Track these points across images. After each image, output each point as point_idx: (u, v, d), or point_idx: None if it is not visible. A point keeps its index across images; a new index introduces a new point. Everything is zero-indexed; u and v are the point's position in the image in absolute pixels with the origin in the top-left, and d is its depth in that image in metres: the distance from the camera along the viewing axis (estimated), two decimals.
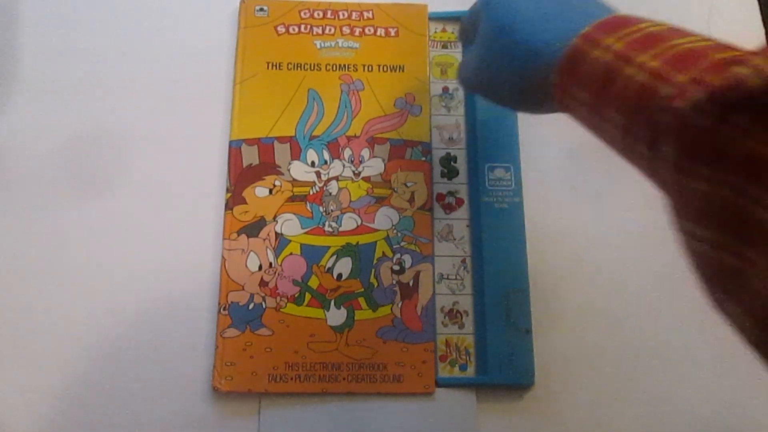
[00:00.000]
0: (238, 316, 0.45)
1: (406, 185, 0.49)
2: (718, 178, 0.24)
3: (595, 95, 0.30)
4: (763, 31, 0.57)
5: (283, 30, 0.52)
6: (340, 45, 0.52)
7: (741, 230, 0.24)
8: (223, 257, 0.46)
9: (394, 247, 0.48)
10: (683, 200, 0.26)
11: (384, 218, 0.48)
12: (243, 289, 0.46)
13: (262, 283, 0.46)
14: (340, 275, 0.47)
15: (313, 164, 0.49)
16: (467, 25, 0.44)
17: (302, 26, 0.52)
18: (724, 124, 0.23)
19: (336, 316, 0.46)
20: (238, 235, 0.47)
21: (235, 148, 0.49)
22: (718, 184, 0.24)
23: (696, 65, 0.26)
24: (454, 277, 0.48)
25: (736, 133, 0.23)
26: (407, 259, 0.47)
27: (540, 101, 0.36)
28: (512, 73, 0.36)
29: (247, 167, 0.48)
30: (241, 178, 0.48)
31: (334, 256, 0.47)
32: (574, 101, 0.32)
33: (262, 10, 0.53)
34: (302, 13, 0.53)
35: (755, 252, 0.24)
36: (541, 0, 0.36)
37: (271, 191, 0.48)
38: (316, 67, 0.51)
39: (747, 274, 0.24)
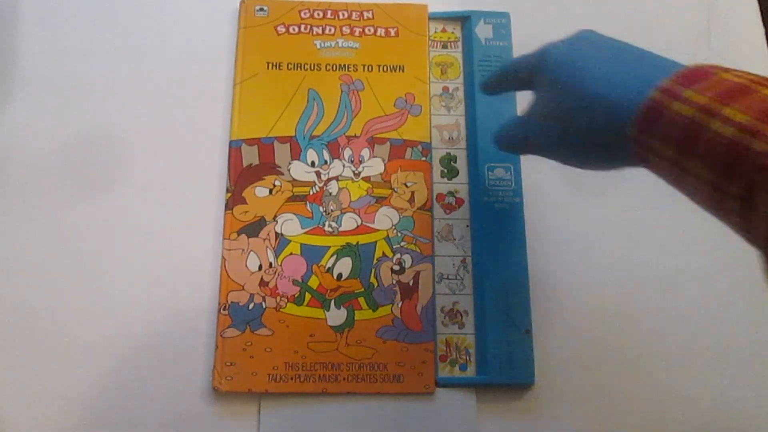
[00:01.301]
0: (238, 316, 0.45)
1: (406, 185, 0.49)
2: None
3: (678, 150, 0.29)
4: (763, 31, 0.57)
5: (283, 30, 0.52)
6: (340, 45, 0.52)
7: None
8: (223, 257, 0.46)
9: (394, 247, 0.48)
10: None
11: (384, 218, 0.48)
12: (243, 289, 0.46)
13: (262, 283, 0.46)
14: (340, 275, 0.47)
15: (313, 164, 0.49)
16: (504, 75, 0.43)
17: (302, 26, 0.52)
18: None
19: (336, 316, 0.46)
20: (238, 235, 0.47)
21: (235, 148, 0.49)
22: None
23: None
24: (454, 277, 0.48)
25: None
26: (407, 259, 0.47)
27: (614, 157, 0.35)
28: (586, 128, 0.35)
29: (247, 167, 0.48)
30: (241, 178, 0.48)
31: (334, 256, 0.47)
32: (655, 156, 0.31)
33: (262, 10, 0.53)
34: (302, 13, 0.53)
35: None
36: (610, 53, 0.35)
37: (271, 191, 0.48)
38: (316, 67, 0.51)
39: None
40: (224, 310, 0.45)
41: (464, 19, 0.54)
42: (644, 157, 0.32)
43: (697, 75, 0.30)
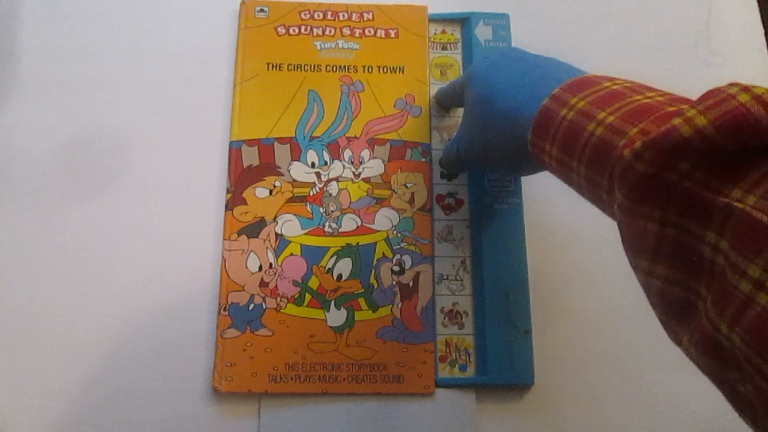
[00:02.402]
0: (238, 316, 0.45)
1: (406, 186, 0.49)
2: (667, 218, 0.27)
3: (563, 150, 0.33)
4: (762, 31, 0.57)
5: (284, 31, 0.52)
6: (340, 46, 0.52)
7: (690, 267, 0.27)
8: (223, 258, 0.46)
9: (394, 247, 0.48)
10: (638, 240, 0.28)
11: (384, 219, 0.48)
12: (243, 289, 0.46)
13: (262, 284, 0.46)
14: (340, 276, 0.47)
15: (313, 165, 0.49)
16: (449, 92, 0.49)
17: (302, 27, 0.52)
18: (667, 169, 0.26)
19: (336, 316, 0.46)
20: (239, 236, 0.47)
21: (235, 149, 0.49)
22: (666, 224, 0.27)
23: (646, 118, 0.28)
24: (453, 278, 0.48)
25: (678, 176, 0.26)
26: (407, 260, 0.47)
27: (525, 162, 0.38)
28: (498, 140, 0.38)
29: (248, 168, 0.49)
30: (241, 178, 0.48)
31: (334, 257, 0.47)
32: (547, 156, 0.34)
33: (262, 10, 0.53)
34: (302, 14, 0.53)
35: (702, 286, 0.26)
36: (516, 70, 0.39)
37: (271, 192, 0.48)
38: (316, 68, 0.51)
39: (698, 307, 0.27)
40: (224, 310, 0.45)
41: (464, 21, 0.54)
42: (541, 158, 0.35)
43: (583, 83, 0.33)
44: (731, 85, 0.26)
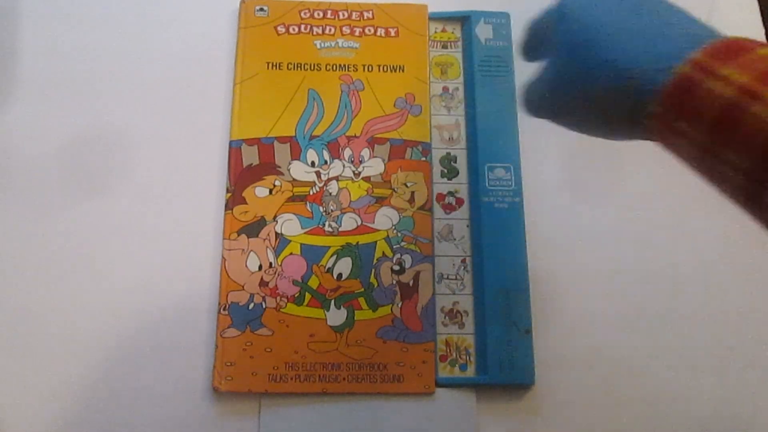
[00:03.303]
0: (238, 316, 0.45)
1: (406, 185, 0.49)
2: None
3: (711, 134, 0.26)
4: (763, 31, 0.57)
5: (283, 30, 0.52)
6: (340, 45, 0.52)
7: None
8: (223, 257, 0.46)
9: (394, 247, 0.48)
10: None
11: (384, 218, 0.48)
12: (243, 289, 0.46)
13: (262, 283, 0.46)
14: (340, 275, 0.47)
15: (313, 164, 0.49)
16: (533, 37, 0.38)
17: (302, 26, 0.52)
18: None
19: (336, 316, 0.46)
20: (238, 235, 0.47)
21: (235, 148, 0.49)
22: None
23: None
24: (454, 277, 0.48)
25: None
26: (407, 259, 0.47)
27: (630, 129, 0.31)
28: (597, 97, 0.31)
29: (247, 167, 0.48)
30: (241, 178, 0.48)
31: (334, 256, 0.47)
32: (681, 137, 0.28)
33: (262, 10, 0.53)
34: (302, 13, 0.53)
35: None
36: (626, 9, 0.31)
37: (271, 191, 0.48)
38: (316, 67, 0.51)
39: None
40: (224, 310, 0.45)
41: (464, 19, 0.54)
42: (667, 137, 0.29)
43: (733, 49, 0.27)
44: None
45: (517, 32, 0.53)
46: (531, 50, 0.39)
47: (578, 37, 0.32)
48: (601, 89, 0.31)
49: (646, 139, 0.31)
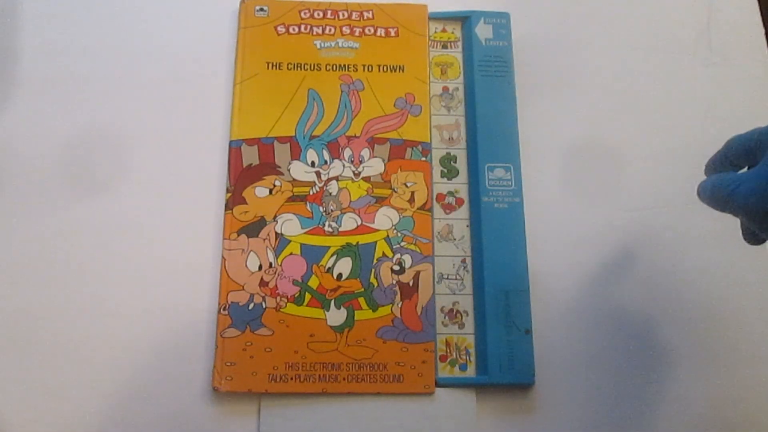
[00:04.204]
0: (238, 316, 0.45)
1: (406, 185, 0.49)
2: None
3: None
4: (763, 31, 0.57)
5: (283, 30, 0.52)
6: (340, 45, 0.52)
7: None
8: (223, 257, 0.46)
9: (394, 247, 0.48)
10: None
11: (384, 218, 0.48)
12: (243, 289, 0.46)
13: (262, 283, 0.46)
14: (340, 275, 0.47)
15: (313, 164, 0.49)
16: (737, 157, 0.38)
17: (302, 26, 0.52)
18: None
19: (336, 316, 0.46)
20: (238, 235, 0.47)
21: (235, 148, 0.49)
22: None
23: None
24: (454, 277, 0.48)
25: None
26: (407, 259, 0.47)
27: None
28: None
29: (247, 167, 0.48)
30: (241, 178, 0.48)
31: (334, 256, 0.47)
32: None
33: (262, 10, 0.53)
34: (302, 13, 0.53)
35: None
36: None
37: (271, 191, 0.48)
38: (316, 67, 0.51)
39: None
40: (224, 310, 0.45)
41: (464, 19, 0.54)
42: None
43: None
44: None
45: (518, 32, 0.53)
46: (723, 166, 0.39)
47: None
48: None
49: None
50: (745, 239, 0.39)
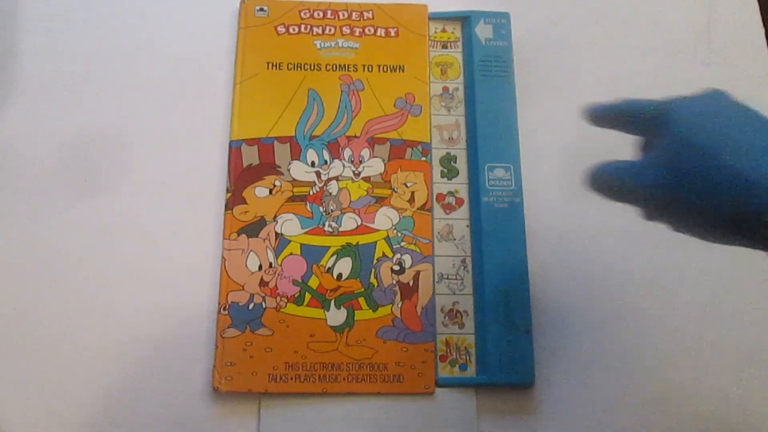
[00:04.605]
0: (238, 316, 0.45)
1: (406, 185, 0.49)
2: None
3: None
4: (763, 31, 0.57)
5: (283, 30, 0.52)
6: (340, 45, 0.52)
7: None
8: (223, 257, 0.46)
9: (394, 247, 0.48)
10: None
11: (384, 218, 0.48)
12: (243, 289, 0.46)
13: (262, 283, 0.46)
14: (340, 275, 0.47)
15: (313, 164, 0.49)
16: (623, 119, 0.39)
17: (302, 26, 0.52)
18: None
19: (336, 316, 0.46)
20: (238, 235, 0.47)
21: (235, 148, 0.49)
22: None
23: None
24: (454, 277, 0.48)
25: None
26: (407, 259, 0.47)
27: (742, 233, 0.32)
28: (716, 200, 0.32)
29: (247, 167, 0.48)
30: (241, 178, 0.48)
31: (334, 256, 0.47)
32: None
33: (262, 10, 0.53)
34: (302, 13, 0.53)
35: None
36: (745, 122, 0.33)
37: (271, 191, 0.48)
38: (316, 67, 0.51)
39: None
40: (224, 310, 0.45)
41: (464, 19, 0.54)
42: None
43: None
44: None
45: (517, 32, 0.53)
46: (608, 122, 0.40)
47: (694, 140, 0.33)
48: (723, 193, 0.32)
49: (756, 245, 0.33)
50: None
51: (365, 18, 0.53)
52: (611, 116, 0.40)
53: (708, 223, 0.34)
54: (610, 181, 0.38)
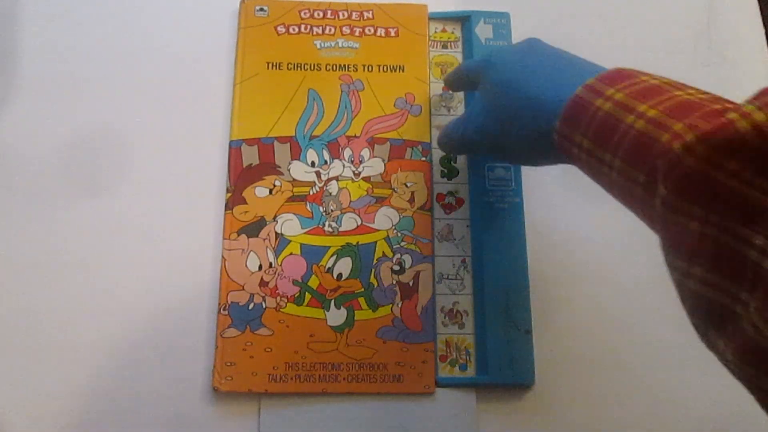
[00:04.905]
0: (238, 316, 0.45)
1: (406, 185, 0.49)
2: (710, 218, 0.26)
3: (596, 141, 0.32)
4: (763, 31, 0.57)
5: (283, 30, 0.52)
6: (340, 45, 0.52)
7: (733, 270, 0.25)
8: (223, 257, 0.46)
9: (394, 247, 0.48)
10: (677, 239, 0.28)
11: (384, 218, 0.48)
12: (243, 289, 0.46)
13: (262, 283, 0.46)
14: (340, 275, 0.47)
15: (313, 164, 0.49)
16: (463, 76, 0.47)
17: (302, 26, 0.52)
18: (716, 166, 0.25)
19: (336, 316, 0.46)
20: (238, 235, 0.47)
21: (235, 148, 0.49)
22: (709, 224, 0.26)
23: (692, 113, 0.27)
24: (454, 277, 0.48)
25: (726, 175, 0.25)
26: (407, 259, 0.47)
27: (545, 151, 0.37)
28: (519, 125, 0.37)
29: (247, 167, 0.48)
30: (241, 178, 0.48)
31: (334, 256, 0.47)
32: (576, 148, 0.33)
33: (262, 10, 0.53)
34: (302, 13, 0.53)
35: (747, 292, 0.25)
36: (544, 58, 0.38)
37: (271, 191, 0.48)
38: (316, 67, 0.51)
39: (737, 312, 0.25)
40: (224, 310, 0.45)
41: (464, 19, 0.54)
42: (568, 149, 0.34)
43: (620, 76, 0.33)
44: None
45: (517, 32, 0.53)
46: (455, 84, 0.49)
47: (503, 79, 0.39)
48: (524, 117, 0.37)
49: (555, 160, 0.37)
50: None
51: (365, 18, 0.53)
52: (454, 79, 0.49)
53: (522, 149, 0.39)
54: (446, 139, 0.46)
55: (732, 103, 0.28)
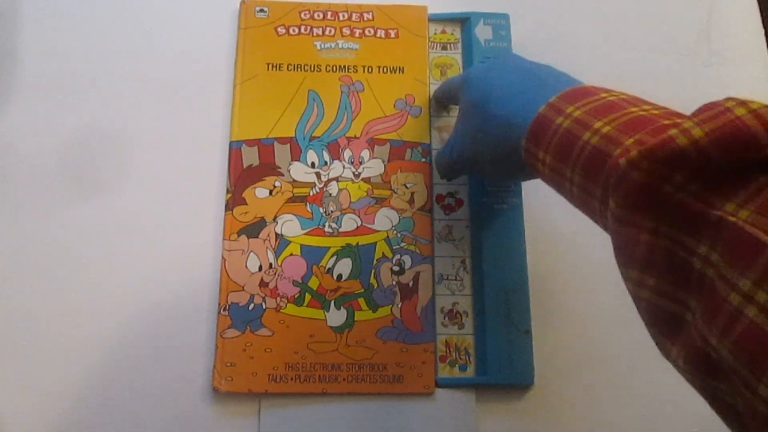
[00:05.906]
0: (238, 316, 0.45)
1: (406, 186, 0.49)
2: (659, 229, 0.27)
3: (557, 157, 0.33)
4: (763, 31, 0.57)
5: (284, 31, 0.52)
6: (340, 46, 0.52)
7: (681, 279, 0.26)
8: (223, 258, 0.46)
9: (394, 247, 0.48)
10: (629, 250, 0.28)
11: (384, 219, 0.48)
12: (243, 289, 0.46)
13: (262, 284, 0.46)
14: (340, 276, 0.47)
15: (313, 165, 0.49)
16: (445, 94, 0.50)
17: (302, 27, 0.52)
18: (662, 179, 0.26)
19: (336, 316, 0.46)
20: (238, 236, 0.47)
21: (235, 149, 0.49)
22: (659, 235, 0.27)
23: (642, 129, 0.29)
24: (453, 278, 0.48)
25: (673, 188, 0.26)
26: (407, 260, 0.47)
27: (517, 169, 0.38)
28: (491, 143, 0.39)
29: (248, 168, 0.49)
30: (241, 178, 0.48)
31: (334, 257, 0.47)
32: (540, 163, 0.34)
33: (262, 11, 0.53)
34: (302, 14, 0.53)
35: (692, 298, 0.26)
36: (513, 76, 0.39)
37: (271, 192, 0.48)
38: (316, 68, 0.51)
39: (687, 320, 0.27)
40: (224, 310, 0.45)
41: (464, 21, 0.54)
42: (534, 165, 0.35)
43: (580, 93, 0.34)
44: (729, 99, 0.26)
45: (517, 33, 0.53)
46: (441, 100, 0.51)
47: (476, 98, 0.40)
48: (493, 138, 0.38)
49: (528, 177, 0.39)
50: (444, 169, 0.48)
51: (365, 19, 0.53)
52: (438, 96, 0.51)
53: (497, 166, 0.40)
54: (438, 167, 0.48)
55: (683, 116, 0.29)
